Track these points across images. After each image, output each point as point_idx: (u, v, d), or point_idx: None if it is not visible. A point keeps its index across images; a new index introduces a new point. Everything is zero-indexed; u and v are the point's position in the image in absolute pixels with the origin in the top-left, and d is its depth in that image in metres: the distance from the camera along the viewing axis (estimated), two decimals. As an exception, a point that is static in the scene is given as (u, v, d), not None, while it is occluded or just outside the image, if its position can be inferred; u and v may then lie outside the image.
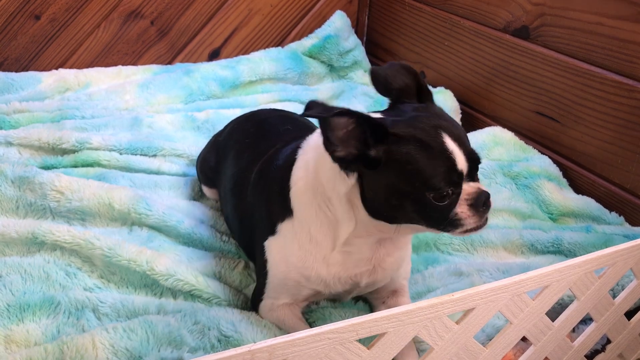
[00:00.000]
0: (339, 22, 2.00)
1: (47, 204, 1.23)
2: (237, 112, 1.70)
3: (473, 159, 0.83)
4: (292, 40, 2.03)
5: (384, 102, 1.76)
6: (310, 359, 0.70)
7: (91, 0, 1.77)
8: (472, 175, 0.84)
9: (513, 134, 1.54)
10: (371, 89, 1.92)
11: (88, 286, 1.09)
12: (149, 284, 1.10)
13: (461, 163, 0.81)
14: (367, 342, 0.75)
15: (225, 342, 0.94)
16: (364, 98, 1.88)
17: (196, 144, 1.50)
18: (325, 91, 1.91)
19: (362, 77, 1.99)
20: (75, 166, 1.41)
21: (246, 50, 1.98)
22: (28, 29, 1.73)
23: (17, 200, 1.24)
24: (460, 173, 0.81)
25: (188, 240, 1.21)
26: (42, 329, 0.98)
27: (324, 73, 1.99)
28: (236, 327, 0.96)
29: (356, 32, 2.06)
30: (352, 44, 2.01)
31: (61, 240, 1.13)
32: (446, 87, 1.75)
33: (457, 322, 0.79)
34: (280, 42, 2.04)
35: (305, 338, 0.68)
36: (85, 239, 1.12)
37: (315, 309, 1.06)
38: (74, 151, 1.44)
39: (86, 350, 0.90)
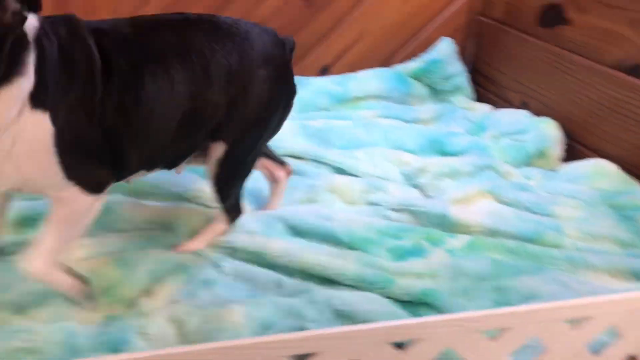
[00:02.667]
0: (445, 48, 2.09)
1: (181, 194, 1.38)
2: (345, 124, 1.83)
3: None
4: (397, 62, 2.13)
5: (486, 126, 1.84)
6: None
7: (221, 12, 1.92)
8: None
9: (618, 167, 1.57)
10: (471, 114, 2.00)
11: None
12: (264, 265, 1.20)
13: None
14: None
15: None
16: (464, 122, 1.95)
17: (309, 147, 1.63)
18: (426, 112, 1.99)
19: (463, 102, 2.07)
20: (204, 160, 1.56)
21: (353, 68, 2.09)
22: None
23: (155, 188, 1.40)
24: None
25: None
26: (178, 292, 1.11)
27: (425, 95, 2.07)
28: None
29: (461, 60, 2.14)
30: (456, 70, 2.09)
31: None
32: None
33: (574, 328, 0.85)
34: (385, 63, 2.14)
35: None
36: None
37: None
38: (202, 147, 1.60)
39: (224, 316, 1.02)
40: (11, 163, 0.90)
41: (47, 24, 0.90)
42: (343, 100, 1.95)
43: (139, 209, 1.32)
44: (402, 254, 1.26)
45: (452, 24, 2.16)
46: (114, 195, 1.35)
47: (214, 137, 1.12)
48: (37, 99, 0.87)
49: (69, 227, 1.00)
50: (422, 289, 1.11)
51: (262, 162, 1.34)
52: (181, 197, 1.38)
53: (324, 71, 2.10)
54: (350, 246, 1.26)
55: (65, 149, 0.92)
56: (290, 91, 1.21)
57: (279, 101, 1.18)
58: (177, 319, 1.03)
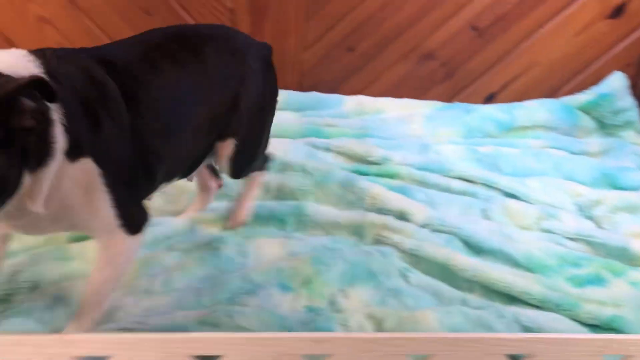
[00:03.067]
0: (616, 82, 2.06)
1: (363, 205, 1.50)
2: (514, 152, 1.86)
3: None
4: (564, 94, 2.13)
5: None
6: None
7: (395, 40, 2.05)
8: None
9: None
10: (642, 150, 1.95)
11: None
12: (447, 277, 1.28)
13: None
14: None
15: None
16: (634, 157, 1.91)
17: (479, 172, 1.69)
18: (593, 145, 1.97)
19: (633, 137, 2.02)
20: (380, 175, 1.66)
21: (519, 97, 2.12)
22: (342, 59, 2.07)
23: (340, 197, 1.53)
24: None
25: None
26: (370, 296, 1.21)
27: (593, 128, 2.05)
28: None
29: (633, 94, 2.10)
30: (627, 104, 2.05)
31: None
32: None
33: None
34: (551, 94, 2.15)
35: None
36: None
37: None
38: (377, 163, 1.71)
39: (419, 319, 1.10)
40: (65, 212, 0.91)
41: (46, 67, 0.86)
42: (509, 128, 1.98)
43: (327, 213, 1.44)
44: (580, 282, 1.28)
45: (624, 59, 2.13)
46: (302, 202, 1.49)
47: (222, 136, 1.19)
48: (74, 152, 0.86)
49: (114, 270, 1.00)
50: (612, 315, 1.13)
51: (201, 170, 1.36)
52: (361, 205, 1.50)
53: (489, 98, 2.15)
54: (528, 268, 1.31)
55: (115, 184, 0.93)
56: (274, 75, 1.28)
57: (272, 86, 1.27)
58: (375, 317, 1.13)
